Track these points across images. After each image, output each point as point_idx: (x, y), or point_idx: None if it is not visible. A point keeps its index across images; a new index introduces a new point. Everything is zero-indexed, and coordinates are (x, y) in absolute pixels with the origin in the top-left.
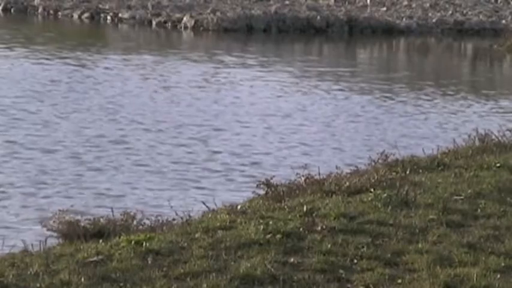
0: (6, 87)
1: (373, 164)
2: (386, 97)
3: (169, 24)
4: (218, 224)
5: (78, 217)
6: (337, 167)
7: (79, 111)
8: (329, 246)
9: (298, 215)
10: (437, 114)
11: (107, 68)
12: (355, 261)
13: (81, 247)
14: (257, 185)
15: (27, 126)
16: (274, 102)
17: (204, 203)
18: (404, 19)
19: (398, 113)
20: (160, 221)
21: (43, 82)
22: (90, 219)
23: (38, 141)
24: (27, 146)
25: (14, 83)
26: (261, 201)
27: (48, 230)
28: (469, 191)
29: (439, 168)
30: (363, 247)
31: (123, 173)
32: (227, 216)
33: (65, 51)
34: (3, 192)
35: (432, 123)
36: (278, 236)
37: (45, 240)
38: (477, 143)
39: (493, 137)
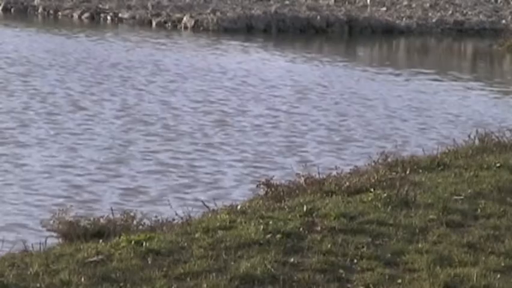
0: None
1: (373, 164)
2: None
3: (169, 24)
4: (218, 224)
5: (78, 217)
6: (336, 167)
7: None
8: (329, 246)
9: (298, 215)
10: (436, 112)
11: None
12: (355, 261)
13: (81, 247)
14: (257, 185)
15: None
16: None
17: (204, 203)
18: (404, 19)
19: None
20: (160, 221)
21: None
22: (90, 219)
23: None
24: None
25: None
26: (261, 201)
27: (48, 230)
28: (469, 191)
29: (439, 168)
30: (363, 247)
31: (124, 171)
32: (227, 216)
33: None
34: (2, 192)
35: (431, 121)
36: (278, 236)
37: (45, 240)
38: (477, 143)
39: (493, 136)
